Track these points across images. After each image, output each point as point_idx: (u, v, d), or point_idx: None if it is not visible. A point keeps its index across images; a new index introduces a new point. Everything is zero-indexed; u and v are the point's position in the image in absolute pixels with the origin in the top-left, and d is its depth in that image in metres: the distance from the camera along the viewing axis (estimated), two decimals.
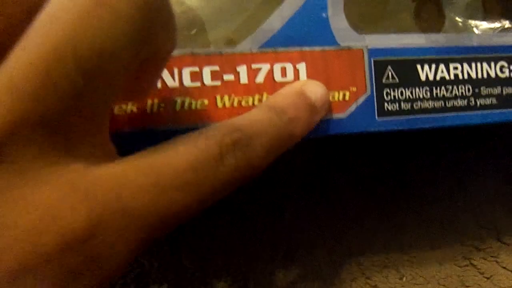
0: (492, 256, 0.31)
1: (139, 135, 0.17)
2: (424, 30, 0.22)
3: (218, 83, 0.18)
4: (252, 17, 0.21)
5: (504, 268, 0.31)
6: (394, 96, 0.19)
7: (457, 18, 0.24)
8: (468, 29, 0.23)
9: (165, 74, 0.17)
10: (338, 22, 0.18)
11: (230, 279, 0.29)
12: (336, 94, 0.18)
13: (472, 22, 0.24)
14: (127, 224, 0.12)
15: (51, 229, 0.11)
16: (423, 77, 0.19)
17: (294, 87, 0.18)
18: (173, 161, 0.13)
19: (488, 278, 0.31)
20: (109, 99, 0.12)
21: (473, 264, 0.31)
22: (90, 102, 0.11)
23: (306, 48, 0.18)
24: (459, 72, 0.19)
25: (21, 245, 0.10)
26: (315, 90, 0.18)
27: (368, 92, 0.19)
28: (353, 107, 0.19)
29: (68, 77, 0.11)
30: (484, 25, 0.24)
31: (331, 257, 0.30)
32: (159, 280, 0.28)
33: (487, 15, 0.24)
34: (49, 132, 0.11)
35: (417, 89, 0.19)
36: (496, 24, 0.24)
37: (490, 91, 0.20)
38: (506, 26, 0.23)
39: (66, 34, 0.11)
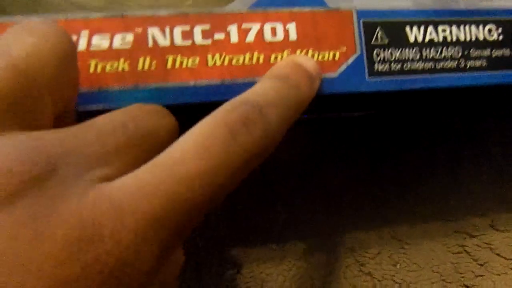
0: (485, 243, 0.31)
1: (131, 92, 0.17)
2: None
3: (209, 42, 0.18)
4: None
5: (498, 254, 0.31)
6: (384, 57, 0.19)
7: None
8: None
9: (156, 33, 0.18)
10: None
11: (223, 270, 0.29)
12: (327, 54, 0.19)
13: None
14: (150, 227, 0.12)
15: (85, 243, 0.11)
16: (411, 39, 0.19)
17: (287, 59, 0.18)
18: (180, 156, 0.13)
19: (482, 265, 0.30)
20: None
21: (467, 251, 0.31)
22: None
23: (296, 9, 0.19)
24: (447, 34, 0.20)
25: (61, 256, 0.11)
26: (307, 60, 0.18)
27: (358, 52, 0.19)
28: (343, 67, 0.19)
29: None
30: None
31: (325, 246, 0.30)
32: None
33: None
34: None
35: (406, 50, 0.19)
36: None
37: (480, 53, 0.20)
38: None
39: None
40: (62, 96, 0.14)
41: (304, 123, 0.30)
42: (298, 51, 0.18)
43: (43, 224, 0.11)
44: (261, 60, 0.18)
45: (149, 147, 0.14)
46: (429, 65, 0.19)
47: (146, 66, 0.17)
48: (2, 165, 0.11)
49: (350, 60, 0.19)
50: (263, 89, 0.16)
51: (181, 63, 0.18)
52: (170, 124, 0.15)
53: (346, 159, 0.31)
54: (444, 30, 0.20)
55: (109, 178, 0.13)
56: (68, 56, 0.14)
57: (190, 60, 0.18)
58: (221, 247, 0.29)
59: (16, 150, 0.11)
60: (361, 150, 0.31)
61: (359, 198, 0.31)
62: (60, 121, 0.14)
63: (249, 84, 0.18)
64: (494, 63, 0.20)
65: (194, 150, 0.13)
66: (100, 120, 0.14)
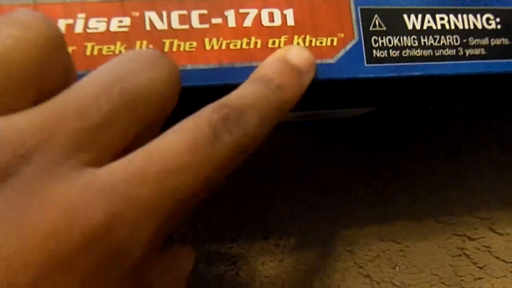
0: (485, 246, 0.31)
1: None
2: None
3: (206, 26, 0.18)
4: None
5: (497, 257, 0.30)
6: (382, 43, 0.19)
7: None
8: None
9: (154, 16, 0.18)
10: None
11: (221, 268, 0.28)
12: (324, 40, 0.19)
13: None
14: (141, 213, 0.12)
15: (73, 226, 0.11)
16: (410, 26, 0.19)
17: (276, 54, 0.18)
18: (170, 147, 0.13)
19: (481, 268, 0.30)
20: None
21: (466, 254, 0.30)
22: None
23: None
24: (445, 22, 0.20)
25: (45, 244, 0.11)
26: (298, 53, 0.18)
27: (356, 38, 0.19)
28: (341, 53, 0.19)
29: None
30: None
31: (323, 247, 0.29)
32: None
33: None
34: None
35: (404, 37, 0.19)
36: None
37: (478, 41, 0.20)
38: None
39: None
40: (50, 84, 0.13)
41: (304, 127, 0.30)
42: (295, 37, 0.18)
43: (27, 211, 0.11)
44: (258, 45, 0.18)
45: (143, 108, 0.13)
46: (427, 52, 0.19)
47: None
48: None
49: (348, 46, 0.19)
50: (244, 92, 0.16)
51: (178, 46, 0.17)
52: (168, 74, 0.14)
53: (344, 160, 0.31)
54: (442, 18, 0.20)
55: (95, 162, 0.12)
56: (53, 45, 0.13)
57: (188, 44, 0.18)
58: (220, 249, 0.28)
59: None
60: (360, 150, 0.31)
61: (358, 201, 0.30)
62: None
63: (246, 68, 0.18)
64: (493, 52, 0.20)
65: (180, 145, 0.13)
66: (83, 84, 0.13)
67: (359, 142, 0.31)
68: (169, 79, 0.14)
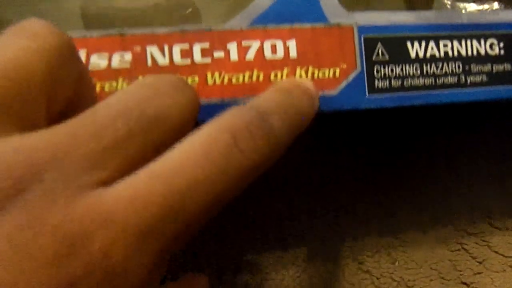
0: (484, 240, 0.31)
1: None
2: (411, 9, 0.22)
3: (208, 60, 0.18)
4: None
5: (496, 252, 0.31)
6: (385, 73, 0.19)
7: (445, 1, 0.24)
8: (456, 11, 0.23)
9: (155, 51, 0.17)
10: None
11: (222, 267, 0.29)
12: (327, 71, 0.18)
13: (461, 4, 0.24)
14: (140, 240, 0.12)
15: (74, 252, 0.11)
16: (413, 54, 0.19)
17: (287, 79, 0.18)
18: (177, 162, 0.13)
19: (480, 262, 0.31)
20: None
21: (465, 249, 0.31)
22: None
23: (296, 25, 0.18)
24: (449, 49, 0.20)
25: (45, 269, 0.11)
26: (305, 81, 0.18)
27: (359, 69, 0.19)
28: (343, 84, 0.19)
29: None
30: (473, 7, 0.24)
31: (323, 243, 0.30)
32: None
33: None
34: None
35: (407, 66, 0.19)
36: (485, 6, 0.24)
37: (480, 68, 0.20)
38: (494, 8, 0.24)
39: None
40: (61, 93, 0.13)
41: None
42: (298, 69, 0.18)
43: (26, 239, 0.11)
44: (261, 78, 0.18)
45: (159, 134, 0.13)
46: (429, 81, 0.19)
47: None
48: None
49: (351, 77, 0.19)
50: (268, 98, 0.16)
51: None
52: (186, 99, 0.14)
53: (344, 157, 0.31)
54: (445, 45, 0.19)
55: (104, 182, 0.12)
56: (62, 54, 0.13)
57: (190, 79, 0.18)
58: (220, 248, 0.29)
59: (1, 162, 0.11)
60: (359, 146, 0.31)
61: (357, 197, 0.31)
62: (67, 118, 0.13)
63: None
64: (495, 78, 0.20)
65: (193, 158, 0.12)
66: (100, 107, 0.13)
67: (358, 144, 0.31)
68: (188, 106, 0.14)
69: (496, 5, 0.24)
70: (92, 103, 0.14)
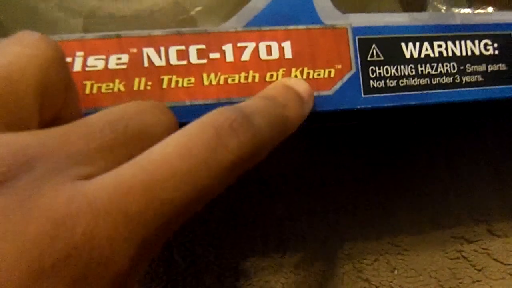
0: (483, 248, 0.31)
1: None
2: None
3: (204, 61, 0.18)
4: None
5: (495, 260, 0.31)
6: (380, 73, 0.19)
7: (440, 6, 0.24)
8: None
9: (152, 52, 0.18)
10: (322, 1, 0.19)
11: (221, 273, 0.29)
12: (322, 71, 0.19)
13: (456, 10, 0.24)
14: (123, 226, 0.12)
15: (56, 236, 0.11)
16: (407, 55, 0.19)
17: (278, 81, 0.18)
18: (162, 154, 0.13)
19: (479, 270, 0.31)
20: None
21: (465, 257, 0.31)
22: None
23: (291, 27, 0.19)
24: (443, 49, 0.20)
25: (30, 252, 0.11)
26: (299, 83, 0.18)
27: (354, 69, 0.19)
28: (339, 85, 0.19)
29: None
30: (468, 12, 0.24)
31: (323, 250, 0.30)
32: (150, 275, 0.28)
33: (471, 2, 0.24)
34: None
35: (402, 67, 0.19)
36: (480, 11, 0.24)
37: (475, 68, 0.20)
38: (489, 12, 0.24)
39: None
40: (52, 100, 0.14)
41: (304, 131, 0.30)
42: (293, 69, 0.18)
43: (14, 220, 0.11)
44: (256, 79, 0.18)
45: (140, 146, 0.14)
46: (424, 81, 0.19)
47: (142, 87, 0.17)
48: None
49: (346, 78, 0.19)
50: (250, 103, 0.16)
51: (177, 83, 0.18)
52: (168, 120, 0.15)
53: (344, 163, 0.31)
54: (440, 46, 0.20)
55: (89, 177, 0.12)
56: (55, 63, 0.14)
57: (186, 80, 0.18)
58: (220, 254, 0.29)
59: None
60: (359, 153, 0.31)
61: (357, 205, 0.31)
62: (59, 124, 0.14)
63: None
64: (490, 78, 0.20)
65: (176, 150, 0.13)
66: (91, 118, 0.14)
67: (357, 144, 0.32)
68: (169, 125, 0.15)
69: (490, 10, 0.24)
70: (78, 114, 0.15)
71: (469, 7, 0.25)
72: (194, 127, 0.14)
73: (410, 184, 0.32)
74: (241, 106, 0.15)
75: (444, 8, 0.25)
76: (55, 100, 0.14)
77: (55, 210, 0.11)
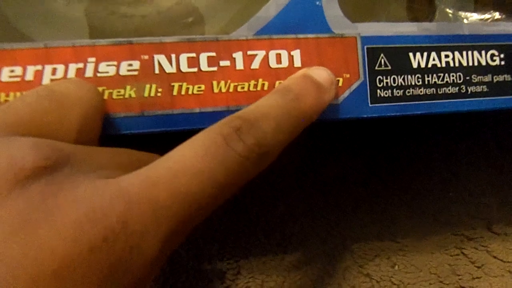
0: (483, 246, 0.32)
1: (136, 119, 0.17)
2: (415, 20, 0.22)
3: (214, 68, 0.18)
4: (247, 7, 0.21)
5: (495, 257, 0.31)
6: (387, 83, 0.19)
7: (447, 10, 0.24)
8: (458, 20, 0.23)
9: (163, 60, 0.18)
10: (332, 10, 0.19)
11: (224, 267, 0.29)
12: None
13: (463, 14, 0.24)
14: (154, 214, 0.13)
15: (93, 222, 0.12)
16: (415, 65, 0.20)
17: (299, 71, 0.19)
18: (182, 156, 0.14)
19: (479, 267, 0.31)
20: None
21: (465, 254, 0.31)
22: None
23: (301, 35, 0.19)
24: (450, 60, 0.20)
25: (70, 237, 0.12)
26: (319, 72, 0.18)
27: (361, 78, 0.19)
28: (346, 93, 0.19)
29: None
30: (474, 16, 0.24)
31: (324, 246, 0.30)
32: None
33: (477, 7, 0.24)
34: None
35: (409, 76, 0.19)
36: (486, 16, 0.24)
37: (481, 78, 0.20)
38: (496, 18, 0.24)
39: None
40: (88, 132, 0.16)
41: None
42: None
43: (54, 206, 0.12)
44: (266, 87, 0.18)
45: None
46: (430, 90, 0.20)
47: (153, 93, 0.18)
48: (18, 152, 0.12)
49: (354, 87, 0.19)
50: (259, 103, 0.17)
51: (187, 90, 0.18)
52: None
53: (344, 160, 0.31)
54: (447, 56, 0.20)
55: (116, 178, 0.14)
56: (94, 103, 0.16)
57: (196, 87, 0.18)
58: (222, 248, 0.30)
59: (34, 144, 0.13)
60: (359, 151, 0.32)
61: (358, 201, 0.31)
62: None
63: None
64: (495, 89, 0.20)
65: (193, 152, 0.14)
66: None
67: (358, 143, 0.32)
68: None
69: (497, 15, 0.24)
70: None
71: (474, 10, 0.25)
72: (204, 134, 0.15)
73: (411, 182, 0.32)
74: (247, 111, 0.16)
75: (451, 12, 0.25)
76: (92, 133, 0.16)
77: (92, 198, 0.12)
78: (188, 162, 0.14)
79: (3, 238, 0.11)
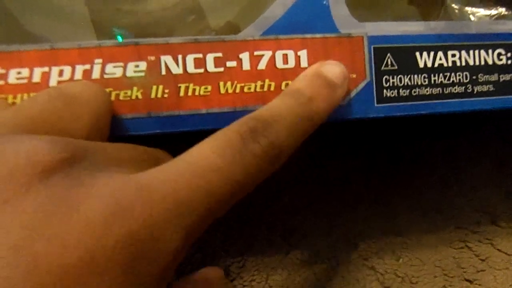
0: (487, 239, 0.32)
1: (143, 120, 0.18)
2: (420, 16, 0.22)
3: (221, 69, 0.18)
4: (252, 4, 0.21)
5: (499, 250, 0.32)
6: (393, 83, 0.19)
7: (453, 5, 0.24)
8: (464, 16, 0.23)
9: (169, 60, 0.18)
10: (339, 10, 0.19)
11: (228, 260, 0.30)
12: None
13: (469, 9, 0.24)
14: (175, 209, 0.13)
15: (119, 217, 0.12)
16: (421, 64, 0.19)
17: (310, 68, 0.19)
18: (201, 153, 0.15)
19: (483, 260, 0.32)
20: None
21: (469, 247, 0.32)
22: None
23: (308, 35, 0.19)
24: (457, 59, 0.20)
25: (93, 231, 0.12)
26: (331, 68, 0.18)
27: (368, 78, 0.19)
28: (353, 94, 0.19)
29: None
30: (481, 12, 0.24)
31: (328, 240, 0.31)
32: None
33: (483, 2, 0.24)
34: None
35: (415, 76, 0.19)
36: (493, 11, 0.24)
37: (488, 78, 0.20)
38: (502, 13, 0.24)
39: None
40: (97, 130, 0.16)
41: None
42: None
43: (77, 199, 0.12)
44: (272, 88, 0.18)
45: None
46: (437, 90, 0.20)
47: (159, 94, 0.18)
48: (35, 147, 0.12)
49: (360, 87, 0.19)
50: (273, 106, 0.17)
51: (194, 91, 0.18)
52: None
53: (346, 155, 0.32)
54: (453, 55, 0.20)
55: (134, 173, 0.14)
56: (103, 104, 0.17)
57: (203, 88, 0.18)
58: (227, 241, 0.30)
59: (50, 139, 0.13)
60: (361, 146, 0.32)
61: (361, 196, 0.31)
62: None
63: None
64: (501, 88, 0.20)
65: (211, 150, 0.15)
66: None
67: (361, 137, 0.32)
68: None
69: (504, 11, 0.24)
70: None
71: (482, 6, 0.25)
72: (222, 133, 0.15)
73: (414, 177, 0.32)
74: (262, 112, 0.16)
75: (458, 7, 0.25)
76: (101, 130, 0.17)
77: (114, 191, 0.13)
78: (208, 160, 0.14)
79: (27, 231, 0.11)
